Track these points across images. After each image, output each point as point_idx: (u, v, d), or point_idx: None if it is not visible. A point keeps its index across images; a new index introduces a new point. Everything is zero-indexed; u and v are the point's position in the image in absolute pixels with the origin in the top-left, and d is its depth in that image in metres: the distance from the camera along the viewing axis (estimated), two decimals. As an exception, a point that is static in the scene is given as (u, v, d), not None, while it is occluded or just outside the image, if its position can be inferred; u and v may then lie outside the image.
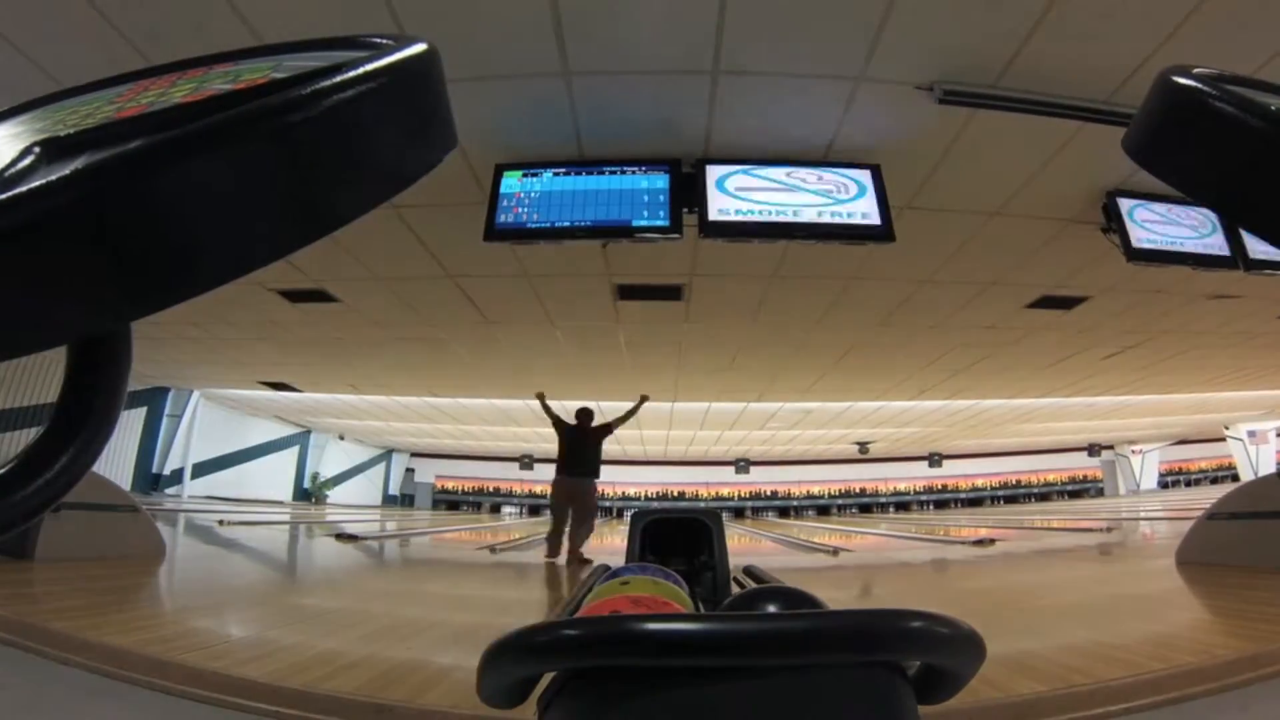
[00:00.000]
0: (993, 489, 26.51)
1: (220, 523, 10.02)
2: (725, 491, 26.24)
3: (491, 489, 26.26)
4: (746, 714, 0.56)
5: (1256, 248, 4.47)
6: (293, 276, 6.30)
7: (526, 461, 23.29)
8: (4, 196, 0.29)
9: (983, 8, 3.02)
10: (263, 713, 2.18)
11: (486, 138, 4.01)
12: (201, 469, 15.85)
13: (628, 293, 6.50)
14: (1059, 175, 4.35)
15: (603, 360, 9.41)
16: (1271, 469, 18.07)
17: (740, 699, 0.56)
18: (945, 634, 0.57)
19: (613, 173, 4.05)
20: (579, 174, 4.07)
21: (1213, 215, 4.48)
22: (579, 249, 5.16)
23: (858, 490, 26.75)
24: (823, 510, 26.23)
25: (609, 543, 11.22)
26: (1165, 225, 4.42)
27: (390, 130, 0.39)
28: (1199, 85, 0.44)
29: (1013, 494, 26.32)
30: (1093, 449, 23.50)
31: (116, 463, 13.28)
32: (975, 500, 26.31)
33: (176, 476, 15.19)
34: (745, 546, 10.84)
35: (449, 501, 26.59)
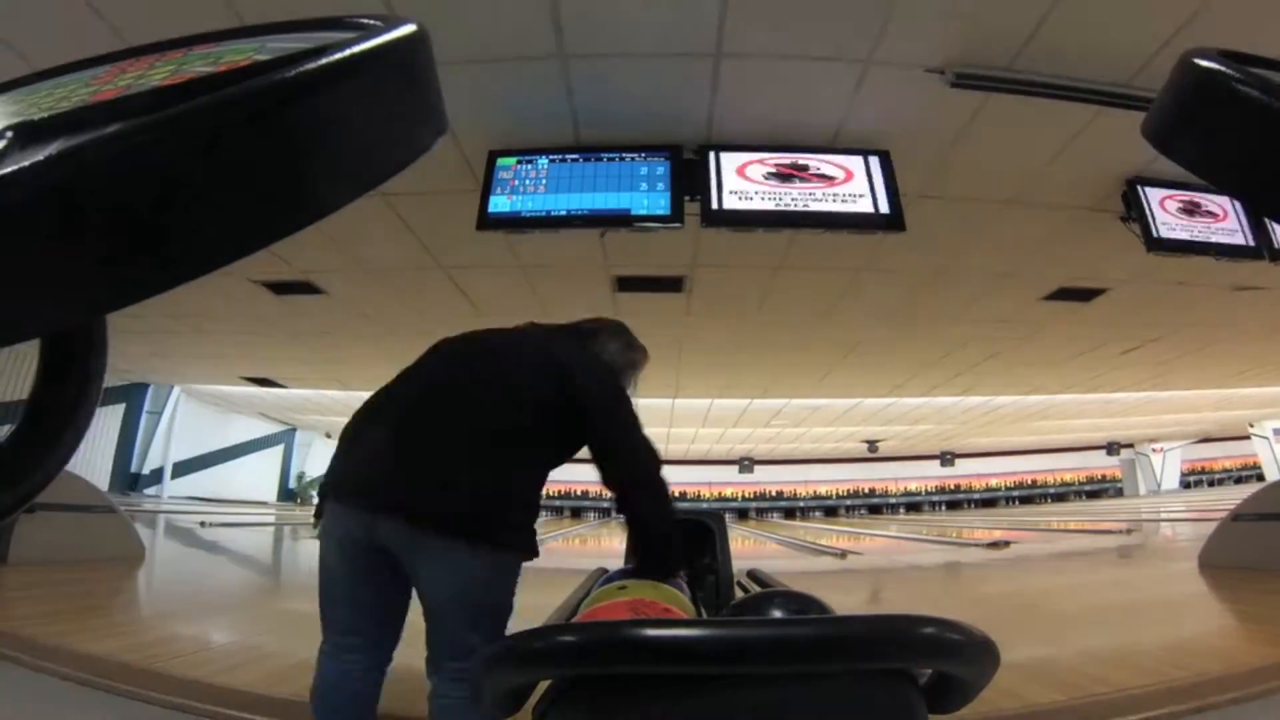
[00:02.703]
0: (1007, 489, 26.54)
1: (202, 524, 10.04)
2: (728, 492, 26.26)
3: (484, 489, 26.19)
4: (751, 724, 0.56)
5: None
6: (277, 267, 6.28)
7: (521, 460, 23.24)
8: (-26, 183, 0.29)
9: (998, -14, 3.02)
10: (246, 722, 2.18)
11: (479, 123, 4.00)
12: (182, 468, 15.84)
13: (626, 284, 6.49)
14: (1076, 162, 4.34)
15: (600, 355, 9.38)
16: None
17: (744, 708, 0.56)
18: (958, 641, 0.57)
19: (611, 159, 4.04)
20: (576, 161, 4.06)
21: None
22: (575, 239, 5.14)
23: (866, 490, 26.77)
24: (830, 511, 26.25)
25: (606, 545, 11.24)
26: (1187, 214, 4.42)
27: (378, 115, 0.39)
28: (1222, 68, 0.44)
29: (1028, 494, 26.36)
30: (1112, 447, 23.49)
31: (93, 461, 13.27)
32: (989, 501, 26.34)
33: (156, 476, 15.19)
34: (749, 549, 10.86)
35: (440, 502, 26.51)
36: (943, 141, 4.18)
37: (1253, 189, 0.46)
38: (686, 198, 3.98)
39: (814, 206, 3.95)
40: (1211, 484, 24.93)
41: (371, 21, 0.42)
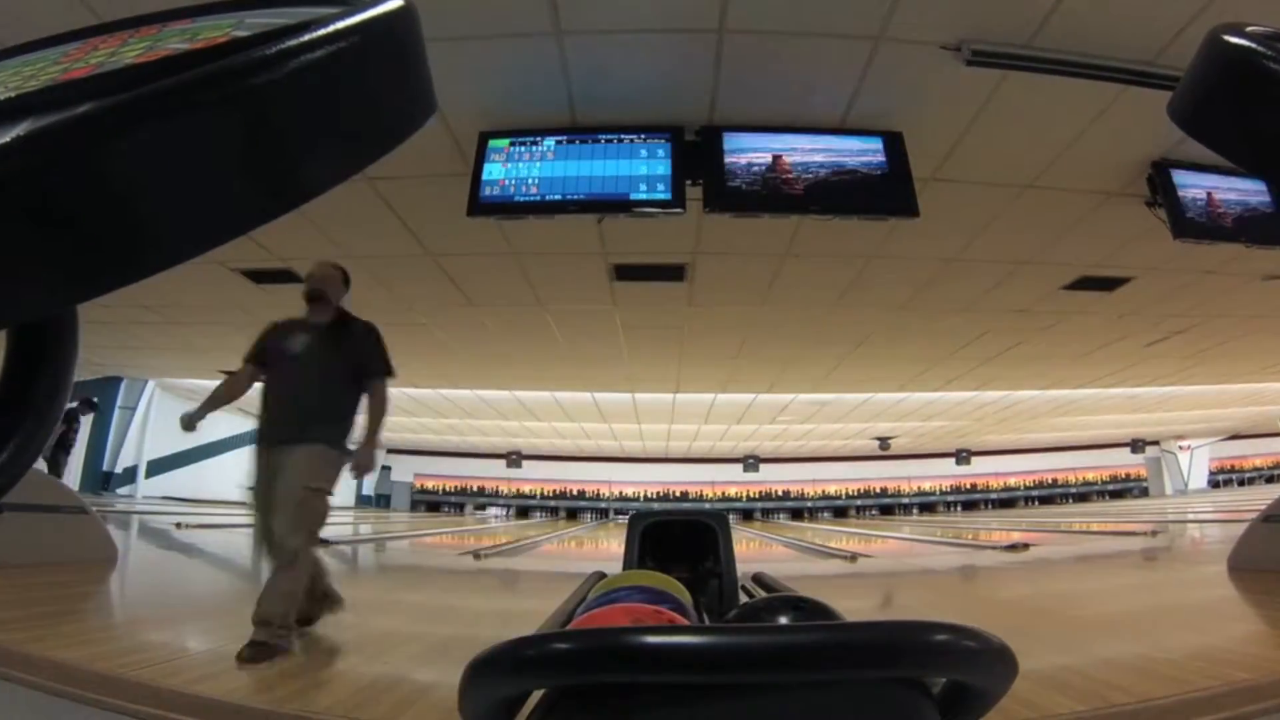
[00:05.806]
0: (1026, 489, 26.52)
1: (177, 526, 10.03)
2: (732, 491, 26.25)
3: (476, 488, 26.28)
4: (755, 735, 0.56)
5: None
6: (256, 254, 6.28)
7: (514, 459, 23.32)
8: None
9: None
10: (226, 734, 2.19)
11: (470, 102, 3.99)
12: (157, 467, 15.84)
13: (625, 273, 6.49)
14: (1098, 144, 4.34)
15: (598, 347, 9.40)
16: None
17: (747, 718, 0.56)
18: (973, 648, 0.57)
19: (609, 141, 4.04)
20: (572, 142, 4.06)
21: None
22: (572, 225, 5.14)
23: (878, 490, 26.76)
24: (839, 512, 26.25)
25: (605, 548, 11.26)
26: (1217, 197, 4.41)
27: (363, 94, 0.39)
28: (1252, 45, 0.44)
29: (1048, 494, 26.34)
30: (1136, 445, 23.51)
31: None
32: (1007, 501, 26.33)
33: (129, 475, 15.19)
34: (754, 552, 10.88)
35: (429, 502, 26.62)
36: (958, 122, 4.17)
37: None
38: (688, 181, 3.97)
39: (822, 191, 3.95)
40: (1241, 483, 24.92)
41: (356, -4, 0.42)
